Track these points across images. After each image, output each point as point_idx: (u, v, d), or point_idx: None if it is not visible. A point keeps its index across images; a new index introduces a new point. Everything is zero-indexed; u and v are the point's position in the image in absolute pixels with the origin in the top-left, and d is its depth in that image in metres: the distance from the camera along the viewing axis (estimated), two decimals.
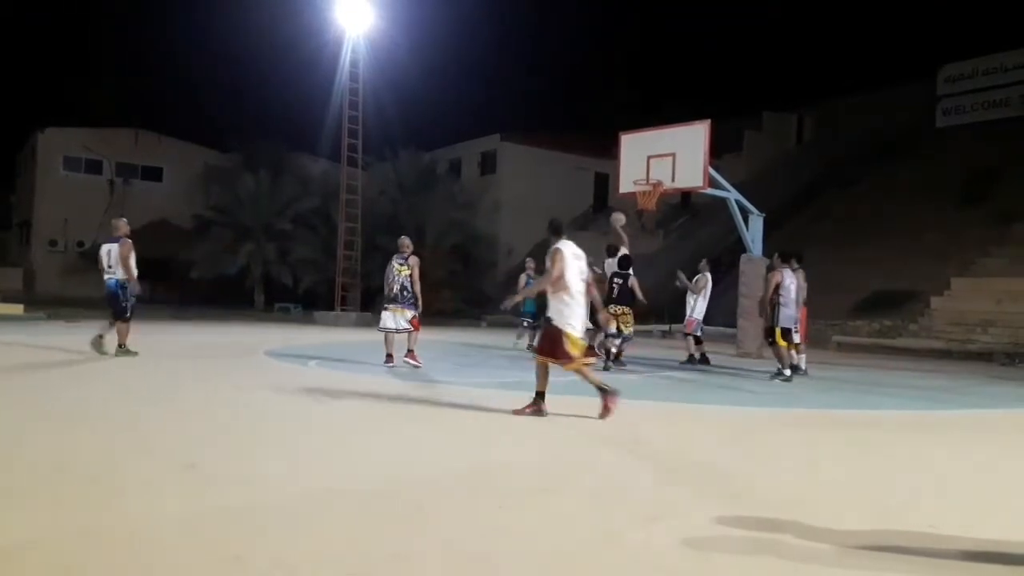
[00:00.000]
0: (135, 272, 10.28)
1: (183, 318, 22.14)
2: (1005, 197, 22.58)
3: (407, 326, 10.57)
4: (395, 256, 10.77)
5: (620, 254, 12.00)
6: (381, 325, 10.66)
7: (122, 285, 10.22)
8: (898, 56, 44.10)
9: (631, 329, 11.81)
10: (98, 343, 10.11)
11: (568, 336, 6.65)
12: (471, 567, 3.09)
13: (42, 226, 37.37)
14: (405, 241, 10.92)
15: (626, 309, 11.64)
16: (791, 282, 10.59)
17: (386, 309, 10.70)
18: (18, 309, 20.18)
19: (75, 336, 10.14)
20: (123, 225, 10.50)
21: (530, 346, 13.48)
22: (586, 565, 3.15)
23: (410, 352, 10.54)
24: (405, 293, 10.52)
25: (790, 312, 10.51)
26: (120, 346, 10.22)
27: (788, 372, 10.22)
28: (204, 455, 4.84)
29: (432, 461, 4.99)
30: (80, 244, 36.48)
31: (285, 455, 5.01)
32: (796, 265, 11.06)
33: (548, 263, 6.73)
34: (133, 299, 10.36)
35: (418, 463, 4.92)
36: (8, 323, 16.41)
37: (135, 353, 10.19)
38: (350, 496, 4.04)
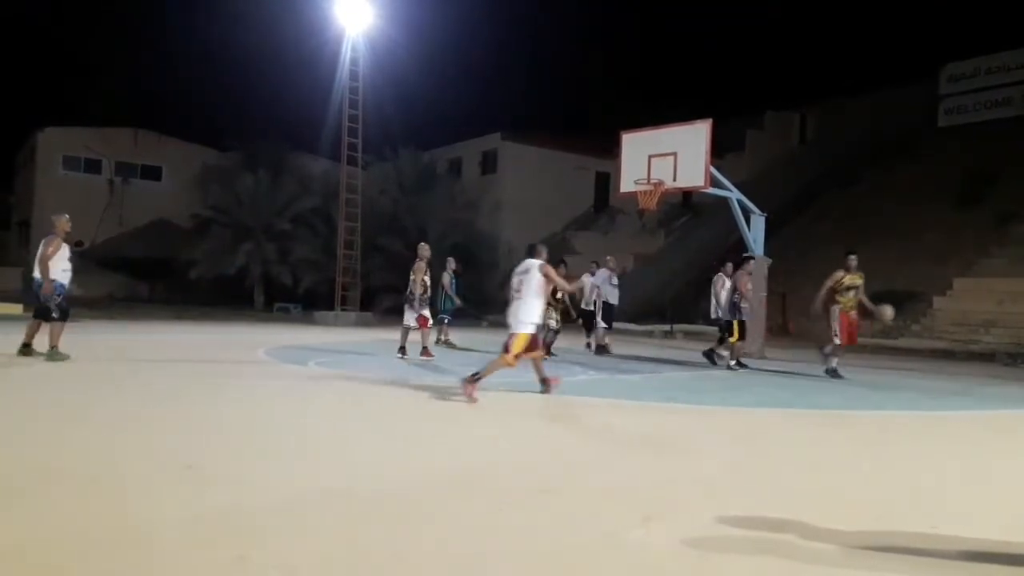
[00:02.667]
0: (50, 274, 9.45)
1: (184, 317, 22.15)
2: (1007, 197, 22.55)
3: (413, 324, 11.88)
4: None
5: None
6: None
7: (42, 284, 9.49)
8: (900, 56, 44.20)
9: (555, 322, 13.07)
10: (26, 350, 9.50)
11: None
12: (470, 567, 3.07)
13: (41, 226, 37.36)
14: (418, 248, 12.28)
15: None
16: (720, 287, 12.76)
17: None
18: (17, 309, 20.19)
19: (75, 336, 10.09)
20: (59, 222, 9.68)
21: (445, 341, 14.76)
22: (585, 565, 3.13)
23: (423, 349, 11.72)
24: (410, 295, 11.91)
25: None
26: (52, 347, 9.42)
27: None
28: (203, 456, 4.82)
29: (432, 461, 4.98)
30: (79, 244, 36.44)
31: (284, 455, 5.00)
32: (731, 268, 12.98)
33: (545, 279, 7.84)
34: (59, 297, 9.52)
35: (418, 463, 4.91)
36: (7, 322, 16.40)
37: (66, 356, 9.37)
38: (350, 496, 4.02)
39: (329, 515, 3.66)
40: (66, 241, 9.72)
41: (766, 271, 15.55)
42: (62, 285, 9.59)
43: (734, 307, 12.18)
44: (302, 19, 34.13)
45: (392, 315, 27.39)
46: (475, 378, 7.46)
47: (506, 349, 7.73)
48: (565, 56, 68.04)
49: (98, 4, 60.95)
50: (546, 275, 7.82)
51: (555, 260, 13.33)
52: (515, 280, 7.96)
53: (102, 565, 2.94)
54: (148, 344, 10.13)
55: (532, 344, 7.77)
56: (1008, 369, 14.38)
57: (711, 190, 14.84)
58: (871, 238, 23.20)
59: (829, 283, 10.95)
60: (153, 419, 6.11)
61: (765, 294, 15.47)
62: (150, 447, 5.02)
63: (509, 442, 5.76)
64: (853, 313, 10.91)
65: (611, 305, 14.28)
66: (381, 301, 29.26)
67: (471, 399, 7.30)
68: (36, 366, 9.11)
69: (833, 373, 10.77)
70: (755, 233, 15.62)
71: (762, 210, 15.84)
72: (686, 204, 33.50)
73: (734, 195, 15.18)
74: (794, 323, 22.37)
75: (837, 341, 10.83)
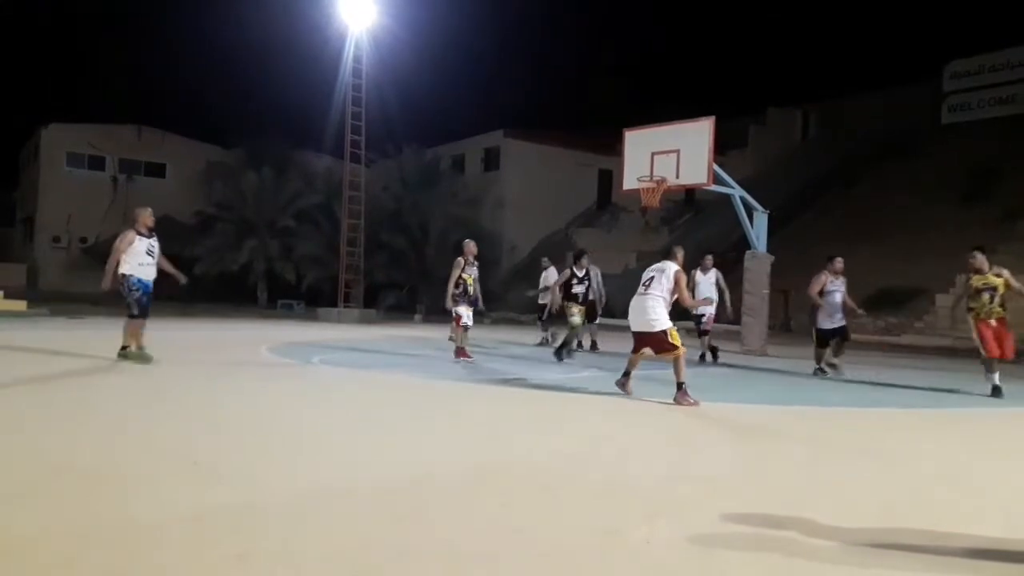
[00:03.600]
0: (123, 268, 9.30)
1: (188, 314, 22.18)
2: (1010, 194, 22.51)
3: (468, 322, 11.16)
4: None
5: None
6: None
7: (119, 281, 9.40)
8: (904, 53, 44.07)
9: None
10: (137, 355, 9.34)
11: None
12: (473, 565, 3.08)
13: (45, 222, 37.45)
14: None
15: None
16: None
17: None
18: (21, 305, 20.23)
19: (77, 333, 10.10)
20: (141, 215, 9.61)
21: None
22: (587, 562, 3.14)
23: (458, 348, 11.10)
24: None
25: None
26: (125, 347, 9.38)
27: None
28: (207, 452, 4.84)
29: (434, 459, 4.98)
30: (83, 240, 36.58)
31: (288, 452, 5.01)
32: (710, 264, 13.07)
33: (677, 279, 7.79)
34: (137, 293, 9.31)
35: (420, 460, 4.91)
36: (11, 319, 16.45)
37: (149, 357, 9.31)
38: (353, 493, 4.03)
39: (333, 512, 3.67)
40: (146, 236, 9.52)
41: (768, 268, 15.55)
42: (139, 280, 9.36)
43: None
44: (306, 16, 34.14)
45: (394, 312, 27.45)
46: (681, 387, 7.47)
47: (658, 350, 7.68)
48: (568, 53, 67.97)
49: (102, 1, 60.98)
50: (677, 282, 7.75)
51: (577, 254, 13.35)
52: (645, 275, 7.94)
53: (106, 561, 2.95)
54: (153, 340, 10.15)
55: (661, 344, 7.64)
56: (1009, 366, 14.35)
57: (714, 187, 14.83)
58: (874, 235, 23.19)
59: (960, 290, 9.38)
60: (156, 416, 6.12)
61: (768, 291, 15.47)
62: (153, 445, 5.03)
63: (510, 440, 5.76)
64: (993, 320, 9.03)
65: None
66: (384, 298, 29.29)
67: (692, 404, 7.34)
68: (35, 363, 9.12)
69: (995, 391, 9.05)
70: (758, 230, 15.62)
71: (765, 207, 15.83)
72: (689, 201, 33.49)
73: (737, 192, 15.17)
74: (795, 320, 22.35)
75: (983, 353, 9.14)
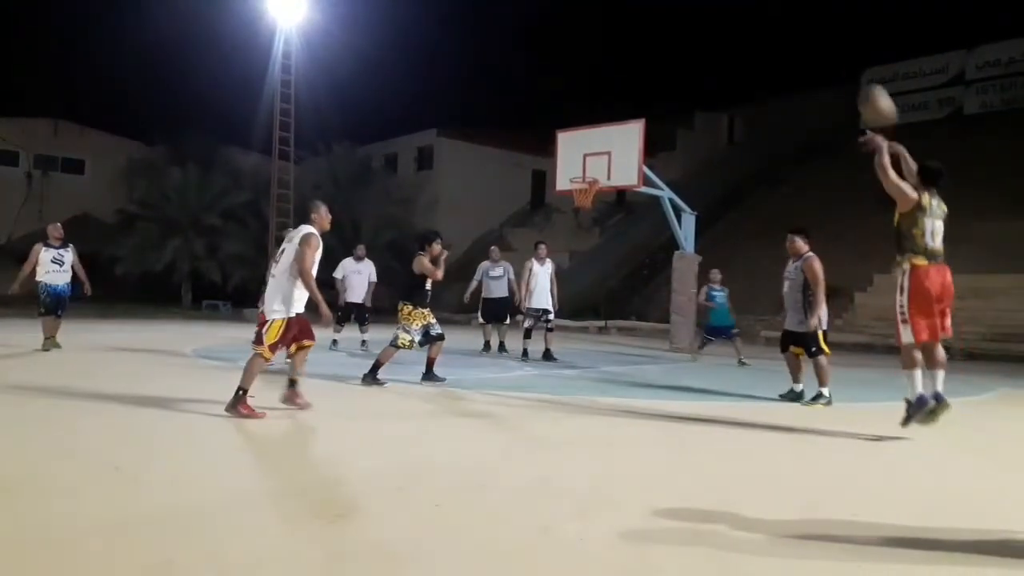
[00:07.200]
0: (23, 275, 10.91)
1: (109, 315, 21.41)
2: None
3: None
4: None
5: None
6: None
7: None
8: (825, 59, 45.63)
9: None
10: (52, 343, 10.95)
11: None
12: (407, 562, 3.06)
13: None
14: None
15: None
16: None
17: None
18: None
19: None
20: (48, 229, 11.20)
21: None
22: (521, 559, 3.15)
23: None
24: None
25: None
26: (46, 338, 10.93)
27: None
28: (130, 457, 4.68)
29: (366, 459, 4.92)
30: None
31: (214, 456, 4.90)
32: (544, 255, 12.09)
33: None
34: (43, 295, 10.93)
35: (351, 462, 4.85)
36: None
37: (56, 346, 10.89)
38: (282, 496, 3.97)
39: (261, 515, 3.61)
40: (53, 247, 11.00)
41: (696, 268, 15.89)
42: (45, 285, 10.89)
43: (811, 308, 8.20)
44: (234, 10, 33.31)
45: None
46: (239, 394, 5.99)
47: (258, 340, 6.29)
48: (501, 54, 68.07)
49: None
50: (304, 249, 6.09)
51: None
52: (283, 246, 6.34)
53: (26, 572, 2.83)
54: (71, 343, 9.80)
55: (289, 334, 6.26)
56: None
57: (644, 189, 15.08)
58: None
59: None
60: (75, 421, 5.90)
61: (695, 290, 15.81)
62: (72, 450, 4.85)
63: (444, 440, 5.74)
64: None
65: (491, 299, 12.82)
66: None
67: (251, 415, 5.94)
68: None
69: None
70: (686, 231, 15.96)
71: (692, 208, 16.18)
72: (620, 203, 33.97)
73: (666, 194, 15.47)
74: None
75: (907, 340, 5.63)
